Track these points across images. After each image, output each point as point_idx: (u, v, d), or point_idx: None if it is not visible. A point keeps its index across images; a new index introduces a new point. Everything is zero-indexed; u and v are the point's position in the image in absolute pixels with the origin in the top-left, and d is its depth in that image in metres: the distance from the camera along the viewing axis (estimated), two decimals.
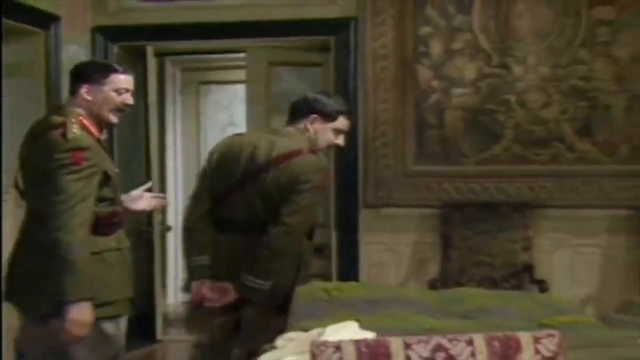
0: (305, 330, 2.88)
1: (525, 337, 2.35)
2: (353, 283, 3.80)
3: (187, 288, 4.19)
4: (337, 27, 6.09)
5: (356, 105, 5.96)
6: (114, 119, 3.80)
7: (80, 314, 3.48)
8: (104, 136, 3.88)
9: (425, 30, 5.94)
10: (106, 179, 3.72)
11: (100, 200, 3.70)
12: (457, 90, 5.91)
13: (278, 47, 6.53)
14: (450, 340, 2.31)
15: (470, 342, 2.31)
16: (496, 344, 2.32)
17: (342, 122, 4.15)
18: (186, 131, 9.15)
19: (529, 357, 2.32)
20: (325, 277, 5.96)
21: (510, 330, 2.63)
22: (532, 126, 5.81)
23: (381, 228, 5.74)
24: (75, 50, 5.96)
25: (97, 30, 6.22)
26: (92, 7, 6.22)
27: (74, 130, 3.62)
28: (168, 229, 7.61)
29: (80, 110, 3.72)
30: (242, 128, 7.47)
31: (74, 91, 3.78)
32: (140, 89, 6.60)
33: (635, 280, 5.56)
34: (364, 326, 2.85)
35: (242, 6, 6.15)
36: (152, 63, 6.79)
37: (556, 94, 5.78)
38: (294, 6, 6.10)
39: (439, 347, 2.29)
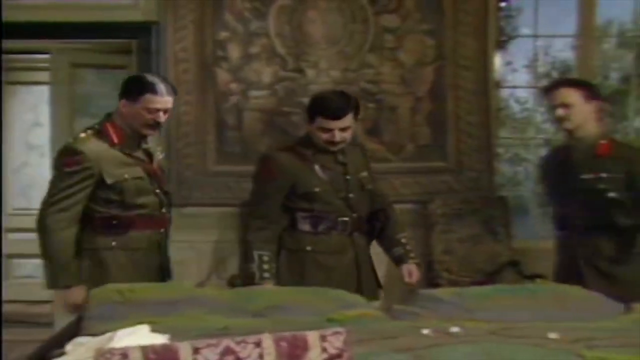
0: (98, 334, 2.74)
1: (312, 336, 2.33)
2: (147, 284, 3.66)
3: None
4: (139, 30, 5.99)
5: None
6: (146, 132, 4.03)
7: (59, 299, 3.85)
8: (145, 144, 4.14)
9: (223, 34, 5.91)
10: (103, 182, 3.89)
11: (105, 202, 3.94)
12: (254, 93, 5.92)
13: (82, 49, 6.37)
14: (238, 343, 2.27)
15: (258, 344, 2.27)
16: (284, 344, 2.29)
17: (322, 122, 4.05)
18: None
19: (315, 356, 2.30)
20: None
21: (300, 326, 2.62)
22: None
23: (183, 226, 5.60)
24: None
25: None
26: None
27: (82, 135, 3.97)
28: None
29: (116, 119, 4.01)
30: (47, 128, 7.26)
31: (120, 102, 4.02)
32: None
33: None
34: (157, 329, 2.75)
35: (45, 7, 5.91)
36: None
37: None
38: (97, 9, 5.92)
39: (227, 351, 2.25)
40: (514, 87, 7.83)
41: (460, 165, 5.96)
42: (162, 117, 3.98)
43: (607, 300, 3.68)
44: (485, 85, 5.98)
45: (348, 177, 4.24)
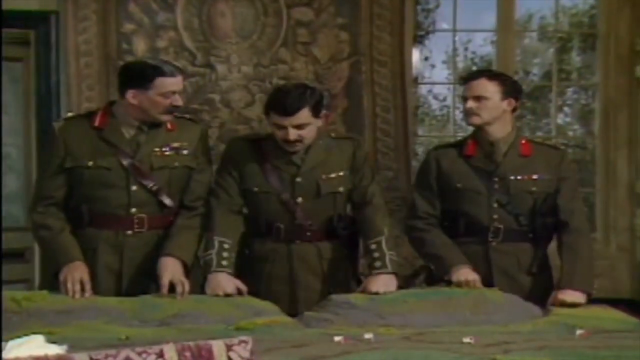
0: None
1: (217, 346, 2.33)
2: (44, 292, 3.62)
3: None
4: (37, 20, 5.89)
5: (59, 102, 5.82)
6: (165, 119, 3.87)
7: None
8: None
9: (128, 27, 5.85)
10: (70, 170, 3.82)
11: (68, 189, 3.87)
12: None
13: None
14: (140, 354, 2.27)
15: (160, 354, 2.28)
16: (187, 354, 2.30)
17: (275, 118, 3.89)
18: None
19: None
20: (28, 282, 5.80)
21: (207, 335, 2.67)
22: (236, 125, 5.87)
23: None
24: None
25: None
26: None
27: (69, 114, 4.12)
28: None
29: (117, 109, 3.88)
30: None
31: (122, 93, 3.83)
32: None
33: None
34: (55, 339, 2.73)
35: None
36: None
37: (259, 93, 5.89)
38: None
39: None
40: (433, 83, 7.95)
41: (377, 165, 6.00)
42: (178, 101, 3.83)
43: (524, 303, 3.78)
44: (402, 81, 6.05)
45: (298, 179, 3.99)
